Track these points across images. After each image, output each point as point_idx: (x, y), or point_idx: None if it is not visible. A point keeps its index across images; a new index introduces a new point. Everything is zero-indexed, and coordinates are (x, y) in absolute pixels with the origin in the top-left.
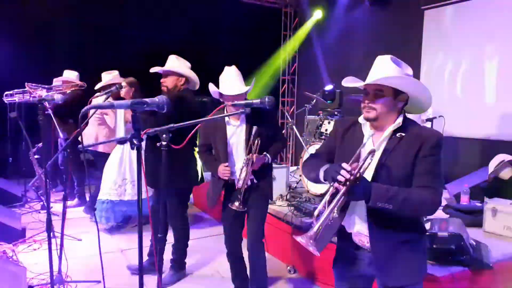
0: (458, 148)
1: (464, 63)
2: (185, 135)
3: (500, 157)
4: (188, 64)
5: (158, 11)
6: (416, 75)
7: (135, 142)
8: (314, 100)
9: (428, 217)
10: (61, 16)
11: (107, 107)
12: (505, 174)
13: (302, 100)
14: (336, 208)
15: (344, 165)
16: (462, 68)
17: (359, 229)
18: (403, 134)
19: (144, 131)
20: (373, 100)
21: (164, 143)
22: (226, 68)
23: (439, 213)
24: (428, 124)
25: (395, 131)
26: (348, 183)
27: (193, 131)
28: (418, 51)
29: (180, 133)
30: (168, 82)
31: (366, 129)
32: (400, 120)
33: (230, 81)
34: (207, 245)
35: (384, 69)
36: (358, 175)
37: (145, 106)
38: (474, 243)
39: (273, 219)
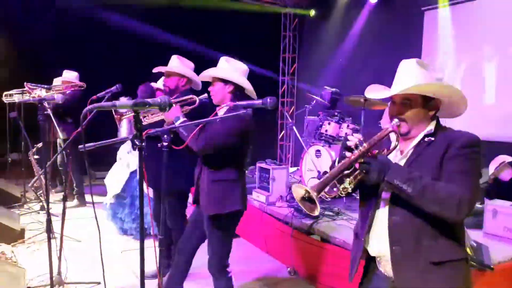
0: None
1: (463, 64)
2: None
3: (500, 158)
4: (191, 65)
5: (156, 11)
6: None
7: (136, 142)
8: (314, 101)
9: None
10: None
11: (109, 107)
12: (505, 175)
13: (301, 100)
14: (349, 180)
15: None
16: (462, 69)
17: (380, 251)
18: (432, 139)
19: (145, 132)
20: (401, 111)
21: (165, 144)
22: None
23: None
24: None
25: (424, 137)
26: (359, 152)
27: (194, 132)
28: (418, 52)
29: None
30: (170, 83)
31: (392, 139)
32: (431, 127)
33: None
34: (204, 245)
35: (411, 75)
36: (375, 152)
37: (147, 106)
38: (475, 244)
39: (273, 220)
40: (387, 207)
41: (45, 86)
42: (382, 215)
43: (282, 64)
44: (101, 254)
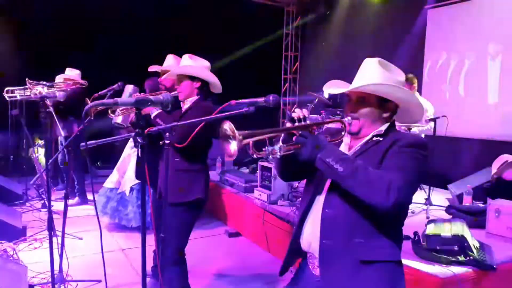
0: (461, 148)
1: (467, 63)
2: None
3: (503, 158)
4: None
5: (158, 8)
6: (419, 74)
7: (139, 140)
8: (316, 99)
9: (431, 217)
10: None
11: (110, 105)
12: (508, 174)
13: (304, 99)
14: (280, 148)
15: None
16: (465, 68)
17: (310, 245)
18: (381, 139)
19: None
20: (355, 109)
21: (167, 141)
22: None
23: (442, 214)
24: (431, 124)
25: (373, 137)
26: (300, 125)
27: (196, 130)
28: (421, 51)
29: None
30: (165, 82)
31: (345, 138)
32: (383, 128)
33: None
34: (205, 244)
35: (370, 74)
36: (316, 132)
37: (149, 103)
38: (477, 244)
39: (274, 219)
40: (323, 198)
41: (47, 83)
42: (318, 206)
43: (284, 63)
44: (102, 252)
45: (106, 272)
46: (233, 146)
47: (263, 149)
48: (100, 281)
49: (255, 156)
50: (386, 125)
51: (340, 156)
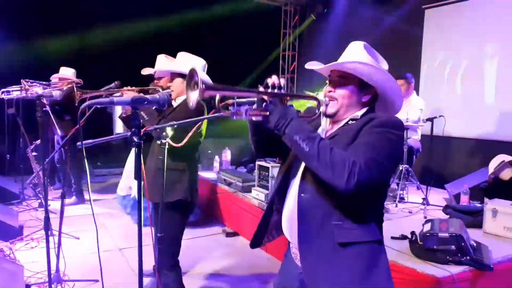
0: (458, 148)
1: (464, 63)
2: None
3: (500, 158)
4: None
5: (156, 6)
6: (416, 74)
7: (135, 139)
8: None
9: (428, 217)
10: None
11: (106, 104)
12: (505, 174)
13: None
14: (246, 111)
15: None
16: (462, 67)
17: (291, 234)
18: (354, 122)
19: (144, 129)
20: (335, 88)
21: (164, 141)
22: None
23: (439, 214)
24: (428, 124)
25: (349, 121)
26: (273, 91)
27: (193, 129)
28: (419, 50)
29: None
30: (162, 82)
31: (323, 121)
32: (360, 112)
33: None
34: (202, 243)
35: (354, 55)
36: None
37: (145, 103)
38: (475, 244)
39: None
40: (298, 182)
41: (43, 83)
42: (294, 191)
43: (282, 62)
44: (98, 252)
45: (103, 272)
46: (194, 95)
47: (230, 107)
48: (97, 280)
49: (219, 113)
50: (364, 110)
51: (308, 134)
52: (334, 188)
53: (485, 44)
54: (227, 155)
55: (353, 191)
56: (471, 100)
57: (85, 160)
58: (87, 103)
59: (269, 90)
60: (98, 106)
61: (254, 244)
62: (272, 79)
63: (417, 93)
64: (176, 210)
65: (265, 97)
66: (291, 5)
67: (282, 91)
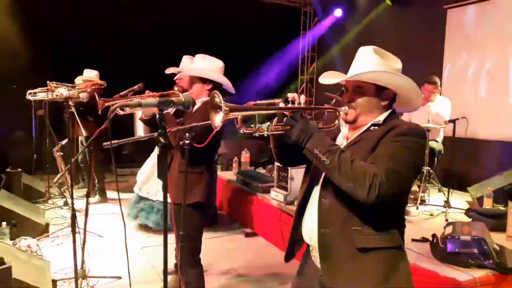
0: (481, 150)
1: (488, 63)
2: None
3: None
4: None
5: (175, 9)
6: (439, 75)
7: (161, 140)
8: (334, 100)
9: (450, 220)
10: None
11: (134, 106)
12: None
13: (320, 100)
14: (268, 127)
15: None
16: (486, 68)
17: (311, 237)
18: (377, 128)
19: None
20: (352, 99)
21: (187, 141)
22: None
23: (461, 216)
24: (450, 126)
25: (371, 126)
26: (293, 107)
27: (214, 131)
28: (441, 51)
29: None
30: (183, 83)
31: (343, 127)
32: (381, 117)
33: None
34: (222, 243)
35: (365, 62)
36: (308, 117)
37: (171, 105)
38: (498, 248)
39: (290, 220)
40: (319, 188)
41: (68, 85)
42: (316, 197)
43: (301, 63)
44: (126, 249)
45: (126, 270)
46: (218, 117)
47: (252, 125)
48: (120, 277)
49: (241, 131)
50: (385, 114)
51: (328, 147)
52: (357, 200)
53: (510, 44)
54: (246, 156)
55: (374, 202)
56: (495, 101)
57: (113, 160)
58: (116, 105)
59: (289, 105)
60: (126, 109)
61: (289, 257)
62: (293, 94)
63: (440, 94)
64: (194, 211)
65: (286, 112)
66: (311, 7)
67: (302, 105)
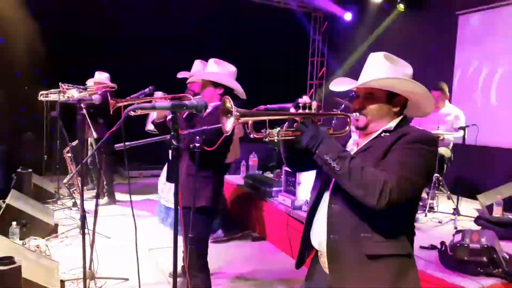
0: (491, 158)
1: (499, 70)
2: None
3: None
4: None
5: (187, 14)
6: (450, 82)
7: (174, 143)
8: (343, 106)
9: (458, 228)
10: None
11: (148, 109)
12: None
13: (329, 105)
14: (278, 132)
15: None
16: (498, 75)
17: (320, 242)
18: (388, 134)
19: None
20: (363, 105)
21: (197, 145)
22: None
23: (470, 224)
24: (461, 133)
25: (382, 133)
26: (304, 112)
27: (224, 135)
28: (452, 58)
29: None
30: (194, 87)
31: (354, 134)
32: (393, 124)
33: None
34: (229, 247)
35: (376, 68)
36: (319, 123)
37: (184, 108)
38: (507, 257)
39: (298, 225)
40: (329, 194)
41: (79, 87)
42: (325, 203)
43: (310, 68)
44: (136, 251)
45: (133, 271)
46: (229, 122)
47: (262, 130)
48: (127, 279)
49: (252, 136)
50: (397, 120)
51: (338, 153)
52: (365, 205)
53: None
54: (254, 159)
55: (384, 209)
56: (506, 109)
57: (126, 162)
58: (131, 107)
59: (300, 110)
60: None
61: (300, 264)
62: (304, 99)
63: (450, 101)
64: (201, 215)
65: (297, 117)
66: (321, 11)
67: (313, 110)
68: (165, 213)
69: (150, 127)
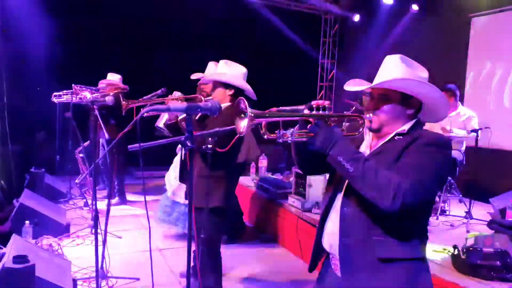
0: (505, 161)
1: None
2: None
3: None
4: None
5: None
6: (462, 84)
7: (188, 144)
8: (354, 108)
9: (471, 231)
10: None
11: (163, 110)
12: None
13: (340, 107)
14: (292, 133)
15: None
16: (511, 77)
17: (332, 245)
18: (401, 137)
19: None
20: (377, 106)
21: (209, 146)
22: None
23: (483, 228)
24: (473, 135)
25: (395, 135)
26: (317, 114)
27: (230, 144)
28: (464, 60)
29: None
30: (207, 88)
31: (367, 136)
32: (406, 126)
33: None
34: (239, 249)
35: (392, 70)
36: (332, 124)
37: (198, 110)
38: None
39: (308, 227)
40: (341, 198)
41: (92, 88)
42: (338, 205)
43: (321, 70)
44: (150, 252)
45: (144, 271)
46: (243, 123)
47: (276, 131)
48: (138, 279)
49: (265, 137)
50: (411, 123)
51: (352, 155)
52: (378, 207)
53: None
54: (264, 161)
55: (398, 212)
56: None
57: (141, 162)
58: (146, 109)
59: (314, 112)
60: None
61: (313, 267)
62: (318, 102)
63: (462, 104)
64: (214, 215)
65: (310, 119)
66: (331, 14)
67: (326, 112)
68: (170, 207)
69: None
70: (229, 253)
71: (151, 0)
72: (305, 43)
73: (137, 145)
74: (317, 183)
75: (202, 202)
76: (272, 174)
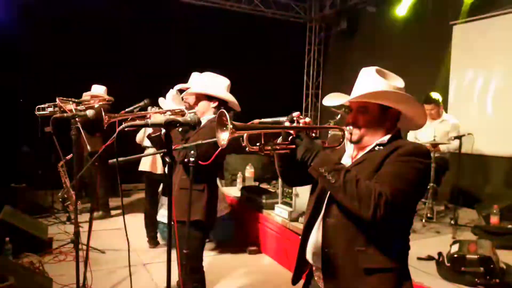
0: (488, 167)
1: (494, 80)
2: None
3: None
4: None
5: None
6: (445, 91)
7: (167, 159)
8: (339, 116)
9: (456, 238)
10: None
11: (142, 126)
12: None
13: (326, 114)
14: (275, 143)
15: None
16: (493, 85)
17: (314, 256)
18: (382, 148)
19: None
20: (357, 119)
21: (192, 159)
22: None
23: (468, 234)
24: (456, 142)
25: (375, 146)
26: (298, 125)
27: (219, 149)
28: (447, 68)
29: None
30: (190, 99)
31: (348, 147)
32: (386, 137)
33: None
34: (225, 260)
35: (368, 83)
36: (313, 136)
37: (178, 124)
38: (505, 267)
39: (295, 237)
40: (324, 209)
41: (76, 100)
42: (320, 216)
43: (306, 78)
44: (129, 266)
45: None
46: (225, 136)
47: (257, 143)
48: None
49: (247, 149)
50: (390, 133)
51: (333, 166)
52: (360, 218)
53: None
54: (251, 171)
55: (379, 222)
56: (502, 118)
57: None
58: (124, 125)
59: (294, 124)
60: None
61: (296, 279)
62: (297, 113)
63: (446, 111)
64: (195, 229)
65: (291, 131)
66: (316, 22)
67: (307, 123)
68: (162, 229)
69: (146, 143)
70: (213, 265)
71: (134, 9)
72: (290, 51)
73: (121, 158)
74: (304, 193)
75: (184, 215)
76: (259, 184)
